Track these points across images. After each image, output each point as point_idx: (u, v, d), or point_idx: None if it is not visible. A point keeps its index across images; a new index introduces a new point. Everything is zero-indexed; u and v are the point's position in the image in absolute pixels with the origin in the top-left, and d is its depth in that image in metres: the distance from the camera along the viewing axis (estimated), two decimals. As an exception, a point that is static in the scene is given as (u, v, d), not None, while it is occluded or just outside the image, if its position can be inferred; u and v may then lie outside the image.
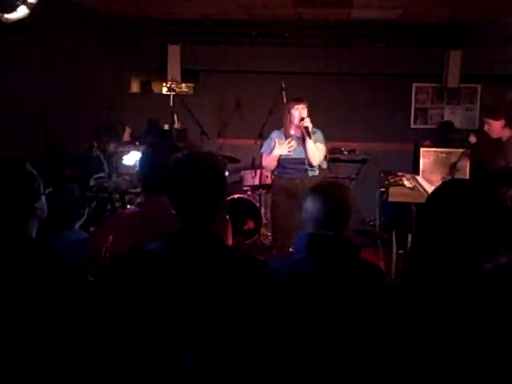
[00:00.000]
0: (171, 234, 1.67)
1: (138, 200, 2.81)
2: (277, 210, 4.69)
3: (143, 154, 2.33)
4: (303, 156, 4.51)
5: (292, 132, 4.57)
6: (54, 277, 1.65)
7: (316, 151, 4.51)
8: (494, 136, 4.48)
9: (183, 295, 1.58)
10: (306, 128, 4.41)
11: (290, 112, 4.51)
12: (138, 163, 2.37)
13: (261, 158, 4.80)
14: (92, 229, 3.05)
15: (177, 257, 1.63)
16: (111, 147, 5.11)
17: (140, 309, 1.60)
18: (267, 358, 1.60)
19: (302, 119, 4.42)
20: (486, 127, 4.57)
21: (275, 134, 4.65)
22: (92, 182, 4.85)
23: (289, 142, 4.49)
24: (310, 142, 4.45)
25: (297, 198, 4.15)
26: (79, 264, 2.16)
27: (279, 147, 4.51)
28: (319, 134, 4.62)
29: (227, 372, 1.56)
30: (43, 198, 1.81)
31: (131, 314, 1.62)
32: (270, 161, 4.61)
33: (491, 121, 4.47)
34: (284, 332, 1.71)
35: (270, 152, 4.59)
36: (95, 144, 5.07)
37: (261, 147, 5.57)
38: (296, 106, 4.47)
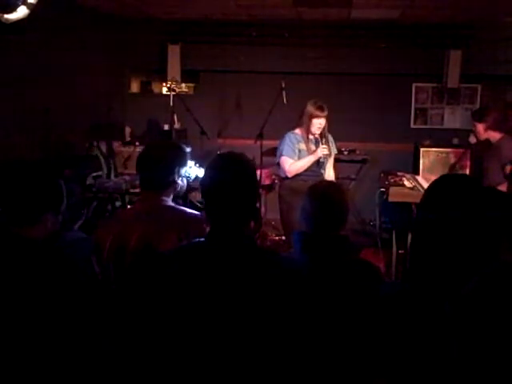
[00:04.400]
0: (205, 236, 1.63)
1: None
2: (290, 213, 4.39)
3: (143, 152, 2.35)
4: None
5: (310, 137, 4.50)
6: (57, 274, 1.65)
7: (332, 175, 4.62)
8: (481, 138, 4.63)
9: (218, 294, 1.53)
10: (323, 156, 4.40)
11: (310, 119, 4.38)
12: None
13: (278, 164, 4.64)
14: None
15: (212, 257, 1.58)
16: (114, 146, 5.11)
17: (169, 310, 1.56)
18: (289, 359, 1.57)
19: (321, 137, 4.42)
20: (473, 129, 4.74)
21: (294, 138, 4.50)
22: (89, 181, 4.85)
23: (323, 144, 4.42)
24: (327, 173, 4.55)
25: None
26: (80, 262, 2.17)
27: (314, 154, 4.42)
28: (331, 142, 4.58)
29: (249, 372, 1.53)
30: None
31: (159, 315, 1.58)
32: (302, 166, 4.43)
33: (474, 123, 4.63)
34: (304, 333, 1.68)
35: (295, 157, 4.47)
36: (95, 143, 5.07)
37: (261, 147, 5.58)
38: (319, 116, 4.36)
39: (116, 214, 2.79)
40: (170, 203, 2.31)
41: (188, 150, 2.35)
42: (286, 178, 4.58)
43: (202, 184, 1.67)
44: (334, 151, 4.67)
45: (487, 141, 4.59)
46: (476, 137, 4.73)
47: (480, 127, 4.56)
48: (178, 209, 2.29)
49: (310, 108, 4.39)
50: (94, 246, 2.20)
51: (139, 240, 2.11)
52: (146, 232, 2.12)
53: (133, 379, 1.61)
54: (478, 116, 4.64)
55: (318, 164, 4.48)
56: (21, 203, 1.71)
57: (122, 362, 1.62)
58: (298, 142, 4.49)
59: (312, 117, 4.37)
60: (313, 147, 4.47)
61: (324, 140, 4.44)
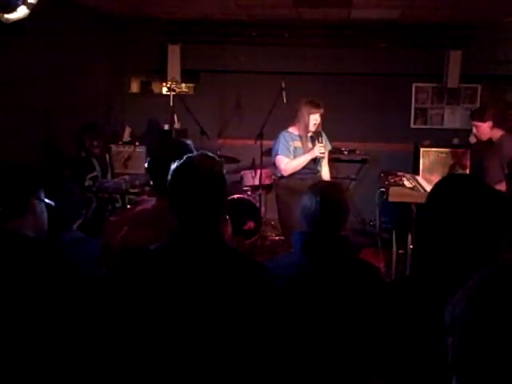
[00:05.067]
0: (172, 235, 1.68)
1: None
2: (288, 212, 4.37)
3: (154, 154, 2.33)
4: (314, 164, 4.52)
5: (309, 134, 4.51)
6: (56, 273, 1.65)
7: (326, 172, 4.66)
8: (484, 138, 4.57)
9: (182, 294, 1.58)
10: (319, 155, 4.43)
11: (308, 116, 4.41)
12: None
13: (274, 164, 4.65)
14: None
15: (177, 257, 1.63)
16: (96, 146, 5.08)
17: (139, 307, 1.61)
18: (262, 357, 1.60)
19: (317, 134, 4.45)
20: (474, 130, 4.64)
21: (288, 136, 4.51)
22: (88, 182, 4.85)
23: (320, 142, 4.45)
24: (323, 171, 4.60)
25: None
26: (79, 262, 2.17)
27: (310, 152, 4.43)
28: (325, 140, 4.60)
29: (223, 371, 1.56)
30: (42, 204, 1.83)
31: (130, 311, 1.63)
32: (298, 165, 4.45)
33: (478, 123, 4.53)
34: (280, 333, 1.71)
35: (291, 156, 4.47)
36: (87, 144, 5.08)
37: (261, 147, 5.58)
38: (315, 112, 4.39)
39: (132, 210, 2.78)
40: None
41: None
42: (283, 177, 4.59)
43: (168, 185, 1.70)
44: (329, 147, 4.70)
45: (488, 140, 4.55)
46: (476, 137, 4.71)
47: (485, 126, 4.49)
48: None
49: (306, 106, 4.43)
50: (103, 245, 2.20)
51: (139, 243, 2.09)
52: (147, 234, 2.11)
53: (125, 376, 1.63)
54: (478, 116, 4.58)
55: (315, 161, 4.50)
56: (2, 195, 1.72)
57: (118, 361, 1.64)
58: (293, 140, 4.51)
59: (309, 113, 4.40)
60: (309, 145, 4.48)
61: (320, 138, 4.45)
